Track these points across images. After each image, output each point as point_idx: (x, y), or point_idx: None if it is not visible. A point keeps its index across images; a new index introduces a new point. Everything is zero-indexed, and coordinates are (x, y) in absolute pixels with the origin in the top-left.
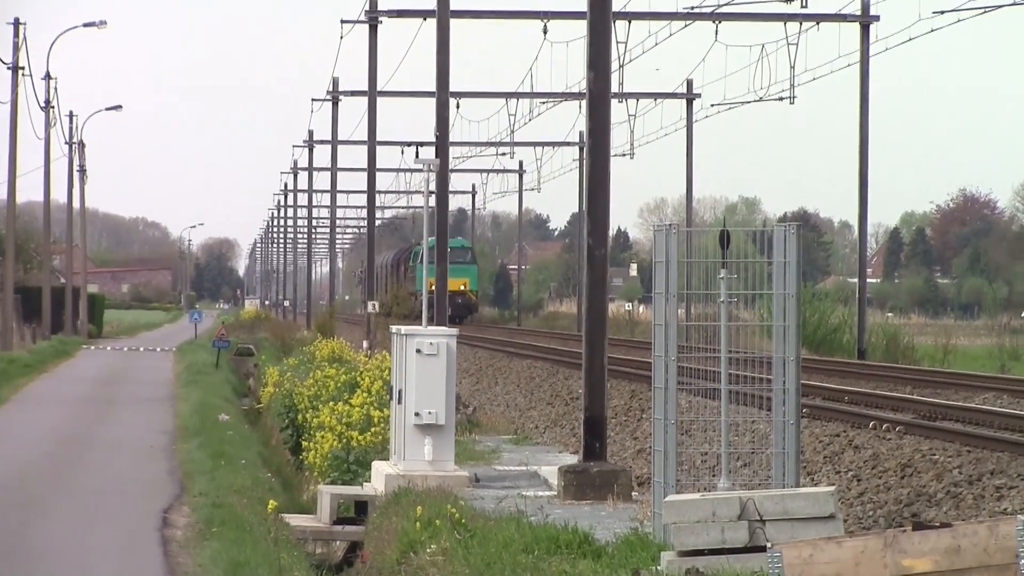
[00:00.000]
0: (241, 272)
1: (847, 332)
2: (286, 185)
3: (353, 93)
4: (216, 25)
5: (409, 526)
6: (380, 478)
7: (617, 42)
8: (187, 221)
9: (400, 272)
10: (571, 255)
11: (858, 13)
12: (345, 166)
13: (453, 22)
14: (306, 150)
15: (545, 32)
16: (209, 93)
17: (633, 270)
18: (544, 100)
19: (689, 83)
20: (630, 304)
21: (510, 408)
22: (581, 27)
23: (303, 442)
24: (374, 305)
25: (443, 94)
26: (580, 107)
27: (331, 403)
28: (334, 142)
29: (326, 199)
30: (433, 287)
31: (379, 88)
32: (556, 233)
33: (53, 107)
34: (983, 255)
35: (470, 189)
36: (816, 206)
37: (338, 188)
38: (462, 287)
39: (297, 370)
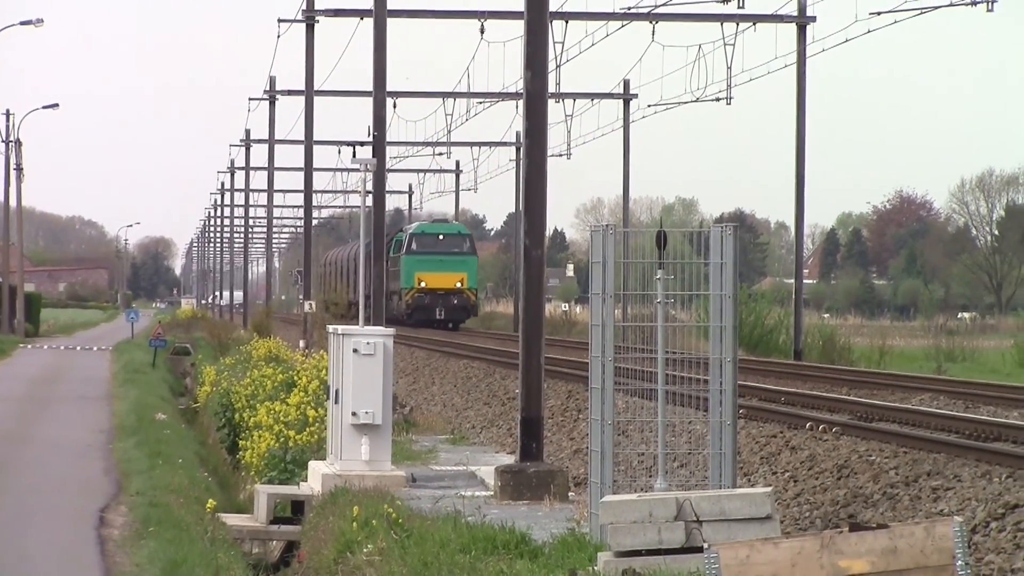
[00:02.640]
0: (178, 271)
1: (783, 333)
2: (223, 184)
3: (290, 92)
4: (153, 24)
5: (346, 526)
6: (317, 478)
7: (554, 42)
8: (124, 220)
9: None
10: (508, 255)
11: (795, 14)
12: (282, 165)
13: (390, 21)
14: (243, 149)
15: (482, 32)
16: (146, 92)
17: (570, 270)
18: (481, 100)
19: (626, 83)
20: (567, 304)
21: (447, 408)
22: (518, 27)
23: (240, 441)
24: (311, 305)
25: (380, 93)
26: (517, 107)
27: (268, 402)
28: (271, 141)
29: (263, 198)
30: (423, 283)
31: (316, 87)
32: (493, 233)
33: None
34: (919, 256)
35: (407, 189)
36: (753, 207)
37: (275, 187)
38: (458, 284)
39: (234, 369)
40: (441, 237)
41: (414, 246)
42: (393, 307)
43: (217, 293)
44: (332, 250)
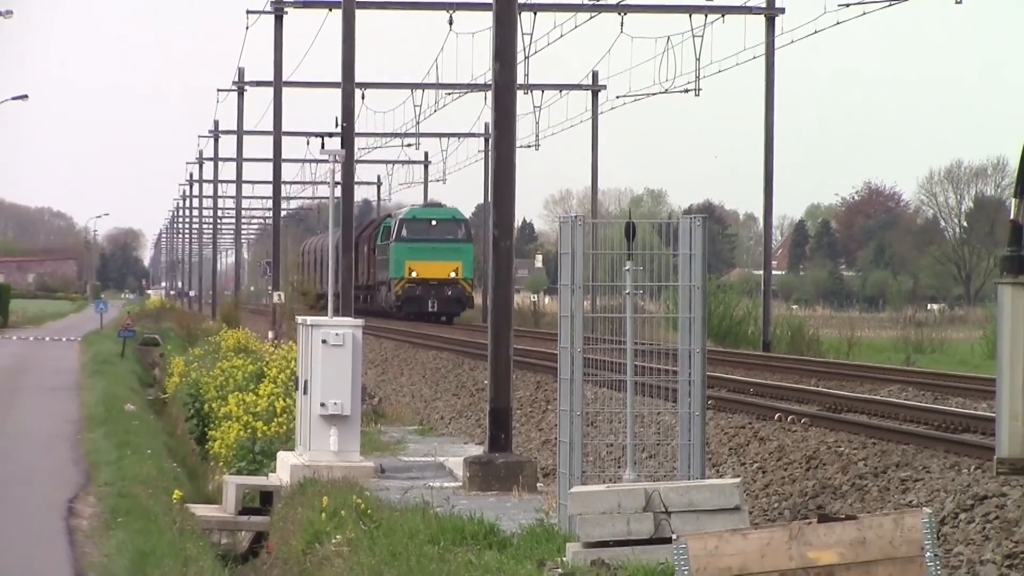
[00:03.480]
0: (147, 262)
1: (752, 324)
2: (191, 175)
3: (259, 83)
4: (122, 15)
5: (314, 516)
6: (285, 468)
7: (523, 33)
8: (93, 211)
9: (362, 255)
10: (476, 246)
11: (763, 5)
12: (251, 156)
13: (359, 13)
14: (211, 140)
15: (451, 23)
16: (115, 83)
17: (539, 261)
18: (450, 91)
19: (594, 75)
20: (536, 295)
21: (416, 399)
22: (487, 18)
23: (208, 432)
24: (279, 295)
25: (348, 85)
26: (485, 98)
27: (237, 393)
28: (239, 132)
29: (232, 189)
30: (414, 272)
31: (285, 79)
32: None
33: None
34: (888, 248)
35: (375, 180)
36: (721, 198)
37: (244, 179)
38: (452, 274)
39: (203, 360)
40: (434, 223)
41: (404, 232)
42: (382, 299)
43: (182, 284)
44: (312, 238)
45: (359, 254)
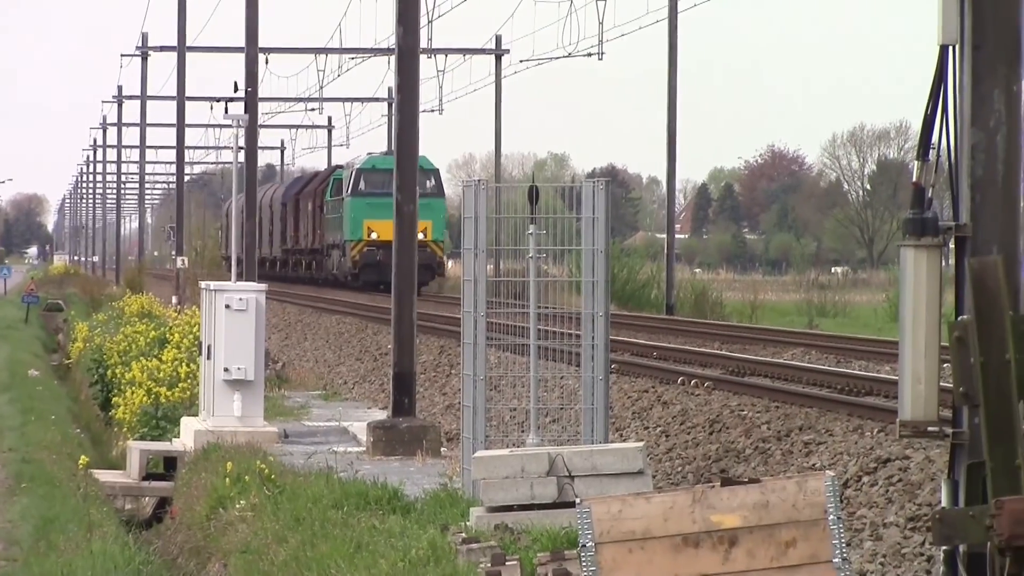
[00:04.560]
0: (51, 227)
1: (656, 288)
2: (95, 141)
3: (162, 48)
4: None
5: (218, 482)
6: (189, 434)
7: None
8: None
9: (304, 213)
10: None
11: None
12: (155, 122)
13: None
14: (115, 106)
15: None
16: (16, 47)
17: None
18: (353, 56)
19: (498, 39)
20: None
21: (319, 364)
22: None
23: (113, 398)
24: (183, 260)
25: (252, 49)
26: (389, 63)
27: (140, 359)
28: (143, 98)
29: (136, 155)
30: (373, 233)
31: (189, 43)
32: None
33: None
34: (791, 211)
35: (279, 145)
36: (625, 162)
37: (147, 144)
38: (420, 235)
39: (106, 326)
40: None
41: (362, 185)
42: (333, 266)
43: (89, 250)
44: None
45: (300, 213)
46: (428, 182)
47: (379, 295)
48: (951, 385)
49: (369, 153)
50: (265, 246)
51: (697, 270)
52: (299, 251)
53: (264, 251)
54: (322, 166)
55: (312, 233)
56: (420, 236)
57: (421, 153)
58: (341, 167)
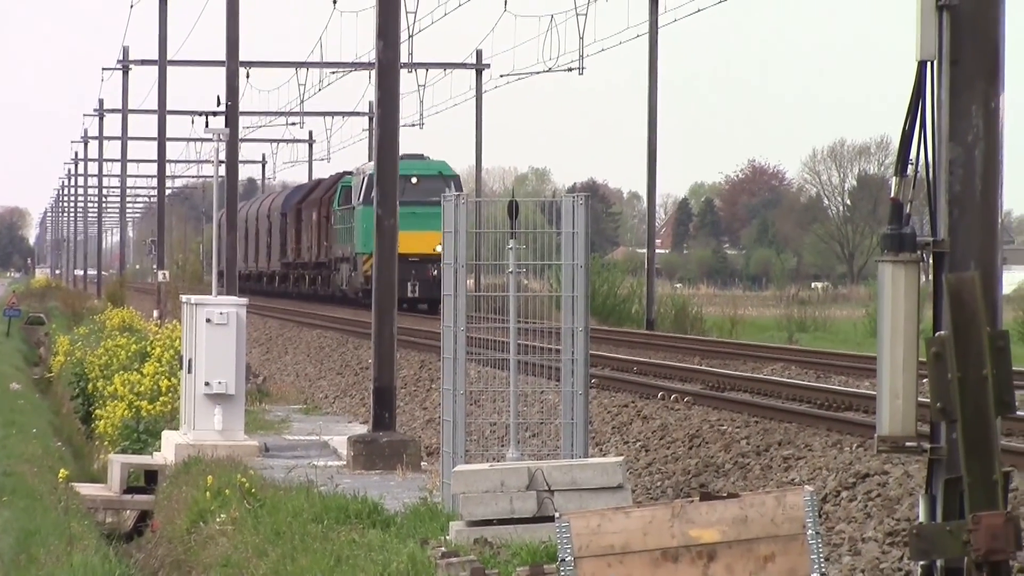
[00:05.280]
0: (32, 241)
1: (636, 303)
2: (76, 154)
3: (144, 62)
4: None
5: (199, 495)
6: (170, 447)
7: (407, 12)
8: None
9: (308, 224)
10: None
11: None
12: (136, 135)
13: None
14: (97, 119)
15: (335, 2)
16: None
17: None
18: (334, 70)
19: (478, 53)
20: None
21: (300, 378)
22: None
23: (94, 411)
24: (164, 274)
25: (233, 63)
26: (370, 77)
27: (122, 372)
28: (124, 111)
29: (117, 168)
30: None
31: (170, 57)
32: None
33: None
34: (771, 226)
35: (260, 159)
36: (605, 177)
37: (129, 158)
38: (439, 247)
39: (88, 339)
40: (415, 180)
41: (375, 192)
42: (342, 281)
43: (70, 264)
44: (252, 200)
45: (303, 223)
46: (447, 190)
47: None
48: (929, 400)
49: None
50: (262, 259)
51: (677, 285)
52: (302, 265)
53: (261, 265)
54: (303, 180)
55: (317, 245)
56: (439, 249)
57: (440, 159)
58: (350, 173)
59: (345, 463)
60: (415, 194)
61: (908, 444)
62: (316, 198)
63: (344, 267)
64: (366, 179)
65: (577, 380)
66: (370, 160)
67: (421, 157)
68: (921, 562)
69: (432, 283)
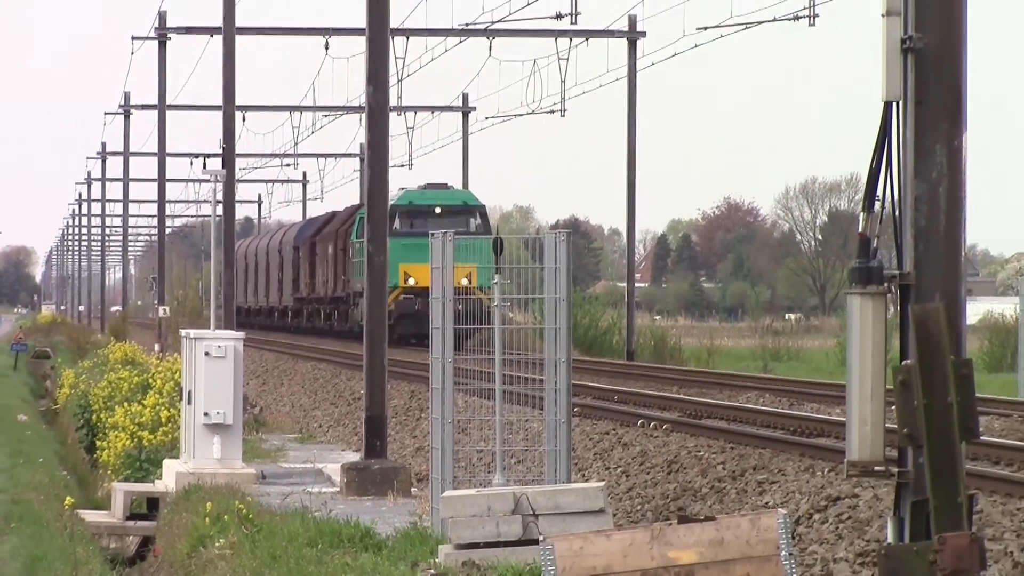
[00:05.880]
0: (38, 278)
1: (616, 334)
2: (80, 195)
3: (144, 107)
4: (8, 39)
5: (199, 521)
6: (171, 475)
7: (395, 57)
8: None
9: (324, 257)
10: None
11: (626, 29)
12: (137, 176)
13: (239, 38)
14: (99, 161)
15: (327, 48)
16: (4, 105)
17: None
18: (326, 113)
19: (464, 97)
20: None
21: (295, 408)
22: (361, 43)
23: (97, 441)
24: (165, 310)
25: (229, 107)
26: (361, 120)
27: (124, 404)
28: (126, 154)
29: (119, 208)
30: (411, 279)
31: (169, 102)
32: None
33: None
34: (746, 260)
35: (256, 198)
36: (587, 214)
37: (130, 198)
38: (464, 280)
39: (91, 372)
40: (438, 210)
41: (397, 224)
42: (362, 315)
43: (72, 300)
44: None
45: (318, 257)
46: (473, 220)
47: (398, 347)
48: (896, 426)
49: (402, 188)
50: (273, 294)
51: (656, 317)
52: (317, 300)
53: (272, 300)
54: (297, 218)
55: (334, 279)
56: (465, 282)
57: (466, 189)
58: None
59: (338, 489)
60: (439, 225)
61: (877, 468)
62: (332, 231)
63: (363, 302)
64: (388, 210)
65: (560, 409)
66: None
67: (445, 186)
68: None
69: (456, 320)
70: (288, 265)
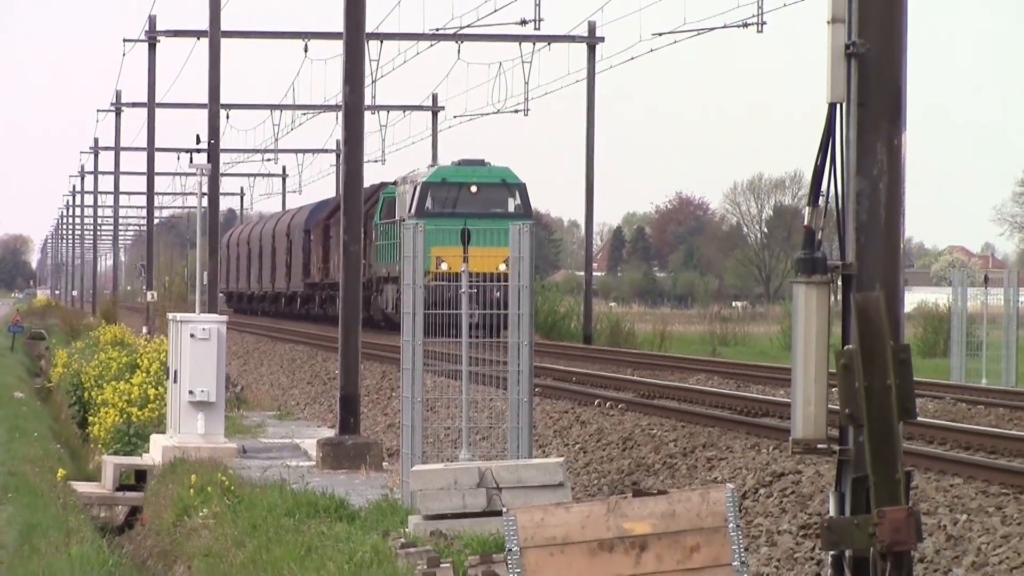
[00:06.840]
0: (34, 264)
1: (575, 319)
2: (74, 187)
3: (134, 105)
4: (8, 40)
5: (184, 492)
6: (158, 449)
7: (370, 60)
8: None
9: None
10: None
11: (586, 35)
12: (127, 170)
13: (224, 41)
14: (92, 156)
15: (306, 50)
16: (4, 105)
17: None
18: (305, 111)
19: (434, 97)
20: None
21: (274, 387)
22: (338, 46)
23: (89, 417)
24: (152, 295)
25: (214, 106)
26: (337, 118)
27: (114, 382)
28: (117, 149)
29: (111, 199)
30: (443, 264)
31: (158, 100)
32: None
33: None
34: (696, 251)
35: (239, 191)
36: (548, 207)
37: (121, 190)
38: (502, 266)
39: (83, 353)
40: (475, 189)
41: (429, 204)
42: (386, 303)
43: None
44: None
45: (332, 240)
46: (512, 200)
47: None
48: (838, 407)
49: (430, 165)
50: (280, 280)
51: (612, 304)
52: (331, 286)
53: (279, 286)
54: (278, 209)
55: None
56: (503, 268)
57: (505, 165)
58: (393, 183)
59: (315, 463)
60: (475, 205)
61: (819, 446)
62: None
63: (388, 289)
64: (419, 188)
65: (522, 389)
66: (337, 190)
67: (482, 163)
68: (831, 552)
69: (493, 306)
70: (298, 249)
